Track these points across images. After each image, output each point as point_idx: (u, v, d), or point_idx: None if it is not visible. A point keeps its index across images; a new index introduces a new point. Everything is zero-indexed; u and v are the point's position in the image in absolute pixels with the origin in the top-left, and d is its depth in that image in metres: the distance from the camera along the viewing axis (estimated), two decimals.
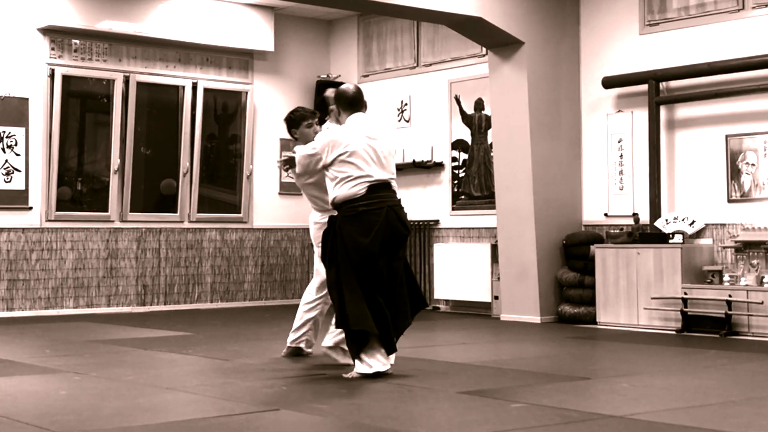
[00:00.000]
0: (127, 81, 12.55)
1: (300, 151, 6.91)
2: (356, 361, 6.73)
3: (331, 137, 6.81)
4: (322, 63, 14.25)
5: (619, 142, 11.11)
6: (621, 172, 11.06)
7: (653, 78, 10.63)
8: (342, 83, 13.49)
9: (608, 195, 11.16)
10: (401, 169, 12.80)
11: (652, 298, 10.10)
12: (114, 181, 12.47)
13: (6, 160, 11.72)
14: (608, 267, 10.52)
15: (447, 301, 12.45)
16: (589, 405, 5.81)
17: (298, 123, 7.74)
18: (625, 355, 8.23)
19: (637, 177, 10.90)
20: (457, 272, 12.08)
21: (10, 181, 11.74)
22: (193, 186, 13.06)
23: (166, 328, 10.40)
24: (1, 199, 11.69)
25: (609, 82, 11.01)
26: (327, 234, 6.83)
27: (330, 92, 7.47)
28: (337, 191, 6.75)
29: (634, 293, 10.30)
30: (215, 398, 6.03)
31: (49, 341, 9.16)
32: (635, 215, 10.68)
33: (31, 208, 11.91)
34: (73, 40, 12.22)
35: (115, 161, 12.45)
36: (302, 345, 7.80)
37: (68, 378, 6.84)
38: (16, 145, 11.78)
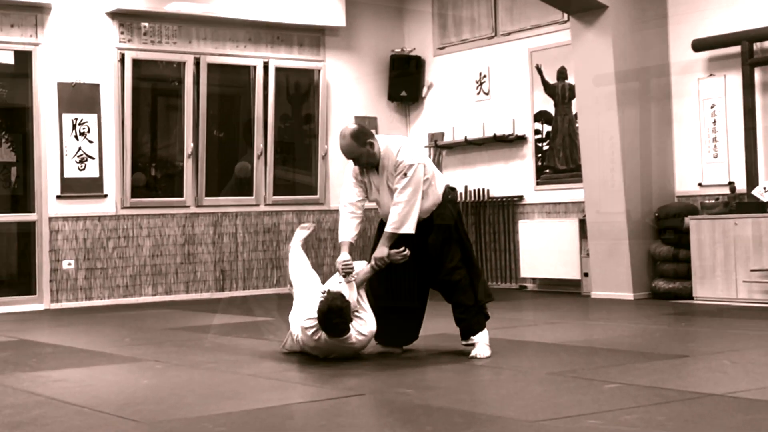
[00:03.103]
0: (197, 63, 12.33)
1: (415, 182, 6.63)
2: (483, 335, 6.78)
3: (418, 149, 6.86)
4: (396, 37, 13.88)
5: (711, 107, 10.62)
6: (715, 139, 10.59)
7: (746, 39, 10.14)
8: (418, 57, 13.43)
9: (702, 164, 10.68)
10: (482, 143, 12.50)
11: (752, 270, 9.67)
12: (188, 166, 12.26)
13: (79, 148, 11.56)
14: (704, 239, 10.10)
15: (534, 280, 12.07)
16: (688, 384, 5.57)
17: None
18: (725, 331, 7.92)
19: (732, 144, 10.41)
20: (543, 249, 11.68)
21: (84, 169, 11.58)
22: (268, 168, 12.80)
23: (246, 313, 10.24)
24: (76, 187, 11.55)
25: (699, 45, 10.52)
26: (443, 217, 6.78)
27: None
28: (439, 186, 6.84)
29: (731, 266, 9.86)
30: (299, 384, 5.87)
31: (128, 330, 9.04)
32: (731, 184, 10.21)
33: (106, 196, 11.74)
34: (142, 24, 12.01)
35: (188, 145, 12.24)
36: None
37: (150, 366, 6.69)
38: (89, 132, 11.62)
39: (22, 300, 11.38)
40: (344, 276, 6.85)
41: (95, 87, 11.70)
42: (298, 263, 7.62)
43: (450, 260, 6.73)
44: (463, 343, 6.86)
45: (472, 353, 6.72)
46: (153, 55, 12.13)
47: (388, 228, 6.64)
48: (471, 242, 6.99)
